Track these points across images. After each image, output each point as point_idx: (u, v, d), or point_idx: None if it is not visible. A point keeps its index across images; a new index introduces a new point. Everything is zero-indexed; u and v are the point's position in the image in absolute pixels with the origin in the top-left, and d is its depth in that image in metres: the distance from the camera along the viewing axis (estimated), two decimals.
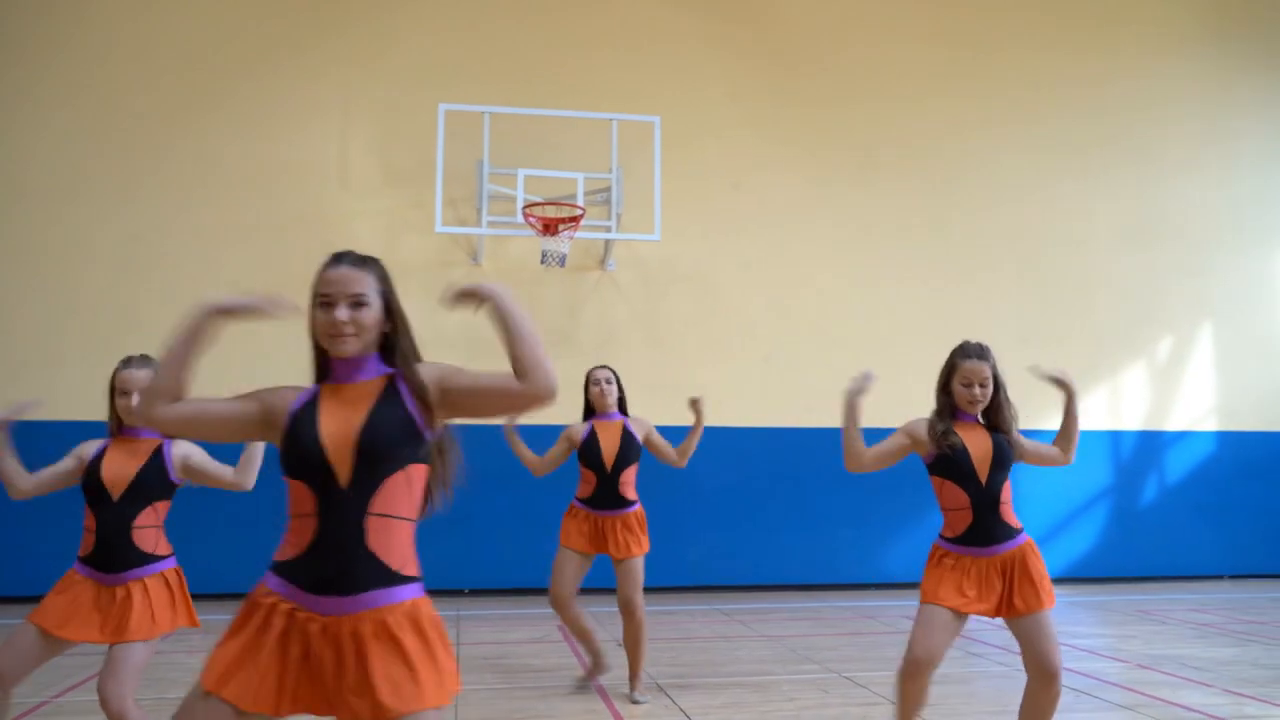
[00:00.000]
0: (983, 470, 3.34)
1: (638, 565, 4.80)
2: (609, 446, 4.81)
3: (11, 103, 8.78)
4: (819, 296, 9.67)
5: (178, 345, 2.10)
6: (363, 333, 2.07)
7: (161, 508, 3.32)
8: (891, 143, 9.95)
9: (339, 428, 2.00)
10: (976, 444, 3.37)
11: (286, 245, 8.91)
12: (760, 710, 4.64)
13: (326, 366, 2.14)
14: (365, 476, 1.98)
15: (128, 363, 3.33)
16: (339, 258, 2.11)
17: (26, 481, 3.35)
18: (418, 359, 2.16)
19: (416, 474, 2.06)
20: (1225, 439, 10.18)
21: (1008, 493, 3.41)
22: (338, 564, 1.95)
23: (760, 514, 9.23)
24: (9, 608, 7.93)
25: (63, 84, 8.87)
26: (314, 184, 9.11)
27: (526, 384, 2.03)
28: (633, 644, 4.77)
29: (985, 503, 3.34)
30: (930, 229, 9.90)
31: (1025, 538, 3.41)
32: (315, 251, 8.63)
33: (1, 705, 3.19)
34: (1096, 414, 10.06)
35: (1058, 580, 9.63)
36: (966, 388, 3.39)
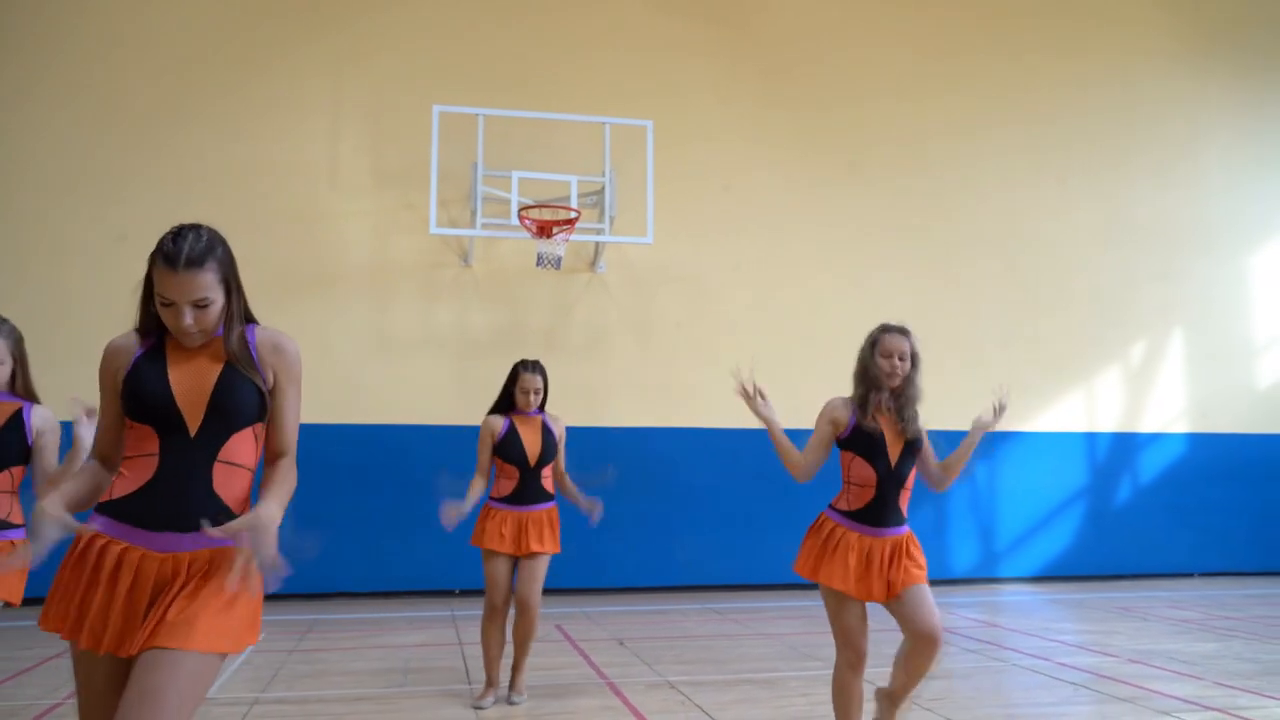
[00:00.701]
0: (894, 452, 3.43)
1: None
2: (531, 445, 4.72)
3: (3, 103, 8.65)
4: (806, 298, 9.81)
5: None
6: (208, 329, 2.12)
7: (17, 473, 3.31)
8: (876, 146, 10.13)
9: (190, 381, 2.10)
10: (890, 425, 3.46)
11: (277, 244, 8.88)
12: (776, 705, 4.73)
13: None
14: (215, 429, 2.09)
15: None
16: (173, 259, 2.04)
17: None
18: (250, 320, 2.25)
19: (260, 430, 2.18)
20: (1196, 440, 10.47)
21: (911, 480, 3.50)
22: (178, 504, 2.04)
23: (748, 514, 9.33)
24: None
25: (55, 85, 8.77)
26: (304, 184, 9.09)
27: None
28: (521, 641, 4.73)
29: (890, 483, 3.42)
30: (914, 231, 10.09)
31: (908, 529, 3.50)
32: (306, 251, 8.77)
33: None
34: (1072, 416, 10.30)
35: (1035, 579, 9.91)
36: (887, 359, 3.48)
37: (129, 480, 2.06)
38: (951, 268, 10.11)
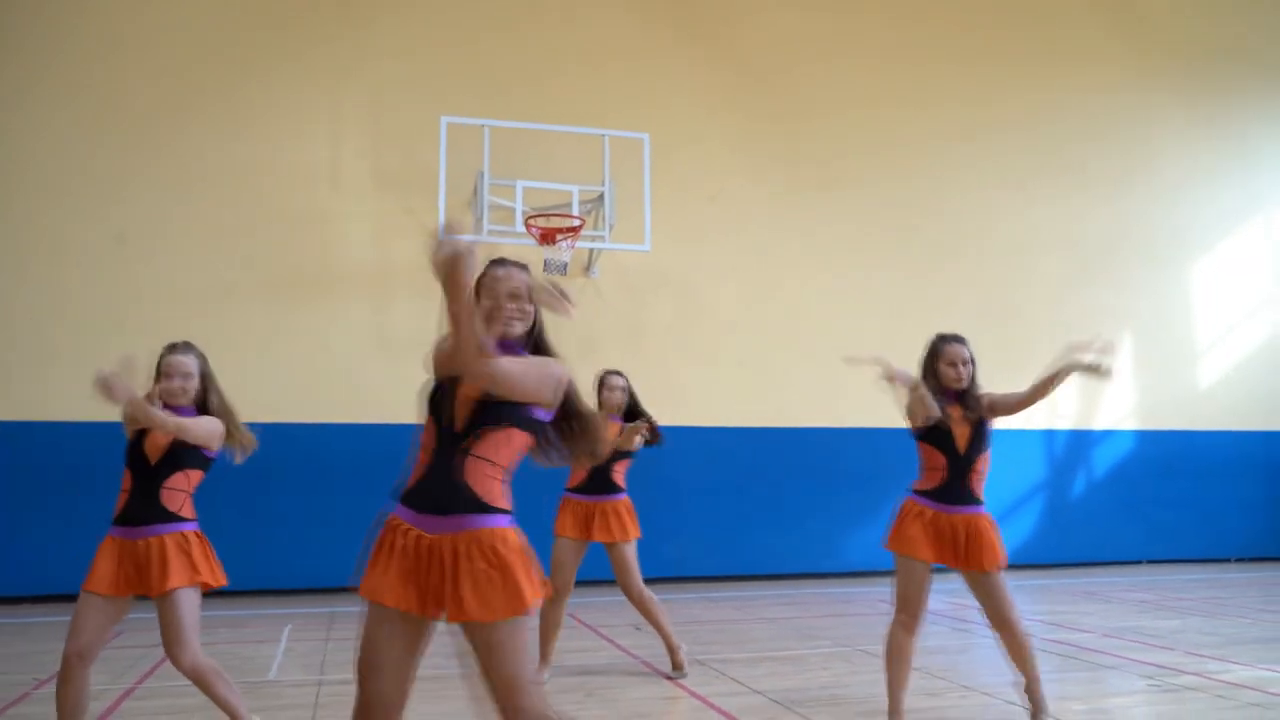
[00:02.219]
0: (961, 440, 3.94)
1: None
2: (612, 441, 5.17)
3: (4, 103, 8.73)
4: (789, 301, 10.30)
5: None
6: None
7: (194, 476, 3.65)
8: (852, 156, 10.67)
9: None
10: (956, 415, 3.95)
11: (278, 245, 9.11)
12: (804, 677, 5.18)
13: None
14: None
15: (172, 349, 3.66)
16: (504, 262, 2.59)
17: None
18: None
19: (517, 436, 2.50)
20: (1144, 437, 11.22)
21: (981, 465, 3.99)
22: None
23: (737, 509, 9.79)
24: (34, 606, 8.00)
25: (55, 85, 8.86)
26: (305, 186, 9.30)
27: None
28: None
29: (959, 467, 3.93)
30: (887, 237, 10.65)
31: (984, 510, 4.00)
32: (307, 252, 9.15)
33: (83, 685, 3.43)
34: (1032, 414, 10.87)
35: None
36: (951, 367, 3.98)
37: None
38: (921, 271, 10.70)
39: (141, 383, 3.51)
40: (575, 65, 10.00)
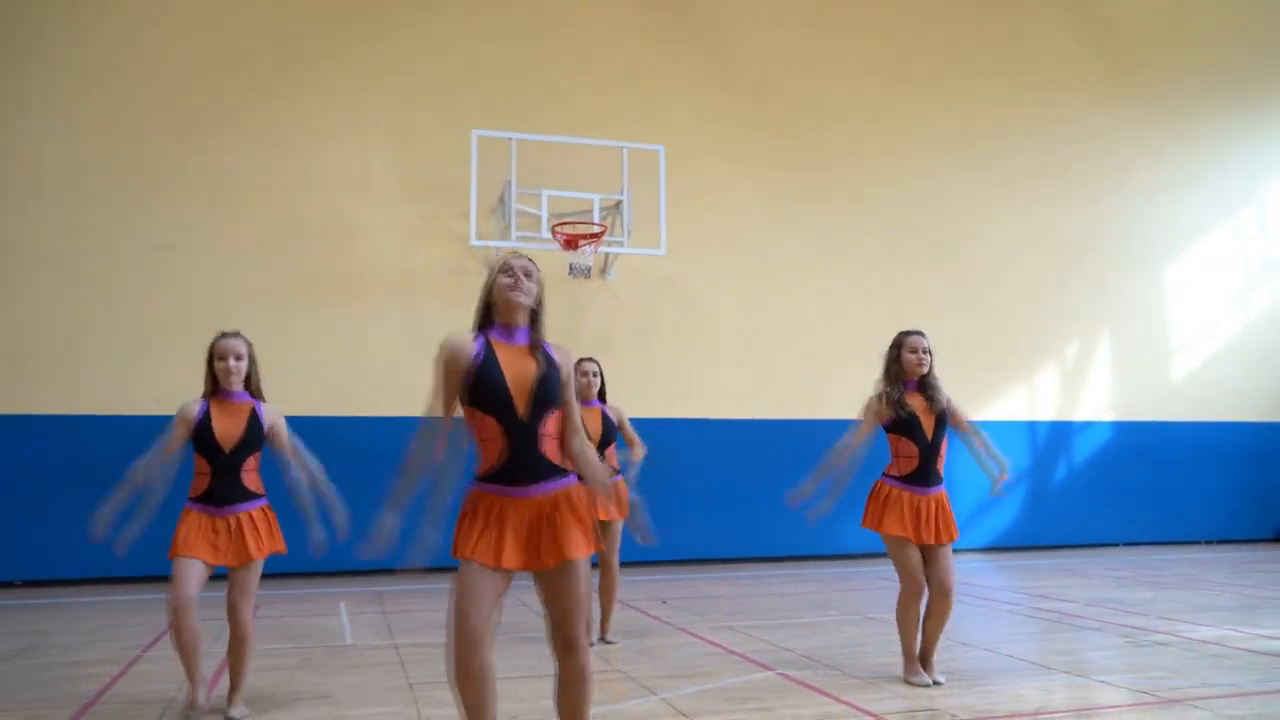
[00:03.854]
0: (929, 427, 4.61)
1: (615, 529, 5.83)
2: (593, 429, 5.67)
3: (46, 114, 9.26)
4: (787, 302, 10.98)
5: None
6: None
7: (258, 456, 4.17)
8: (845, 166, 11.38)
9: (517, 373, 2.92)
10: (921, 407, 4.62)
11: (313, 251, 9.69)
12: (827, 638, 5.85)
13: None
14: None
15: (223, 335, 4.14)
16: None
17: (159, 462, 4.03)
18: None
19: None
20: (1121, 428, 11.99)
21: (944, 448, 4.67)
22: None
23: (741, 495, 10.46)
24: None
25: (97, 97, 9.41)
26: (337, 196, 9.88)
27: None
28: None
29: (929, 452, 4.60)
30: (878, 241, 11.36)
31: (943, 488, 4.69)
32: (340, 257, 9.94)
33: (197, 632, 3.91)
34: (1015, 407, 11.71)
35: (987, 549, 11.24)
36: (913, 354, 4.63)
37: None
38: (910, 274, 11.40)
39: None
40: (595, 80, 10.63)
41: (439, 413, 2.92)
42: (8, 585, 8.63)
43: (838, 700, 4.28)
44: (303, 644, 5.86)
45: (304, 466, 4.21)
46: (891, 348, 4.75)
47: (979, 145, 11.91)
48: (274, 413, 4.23)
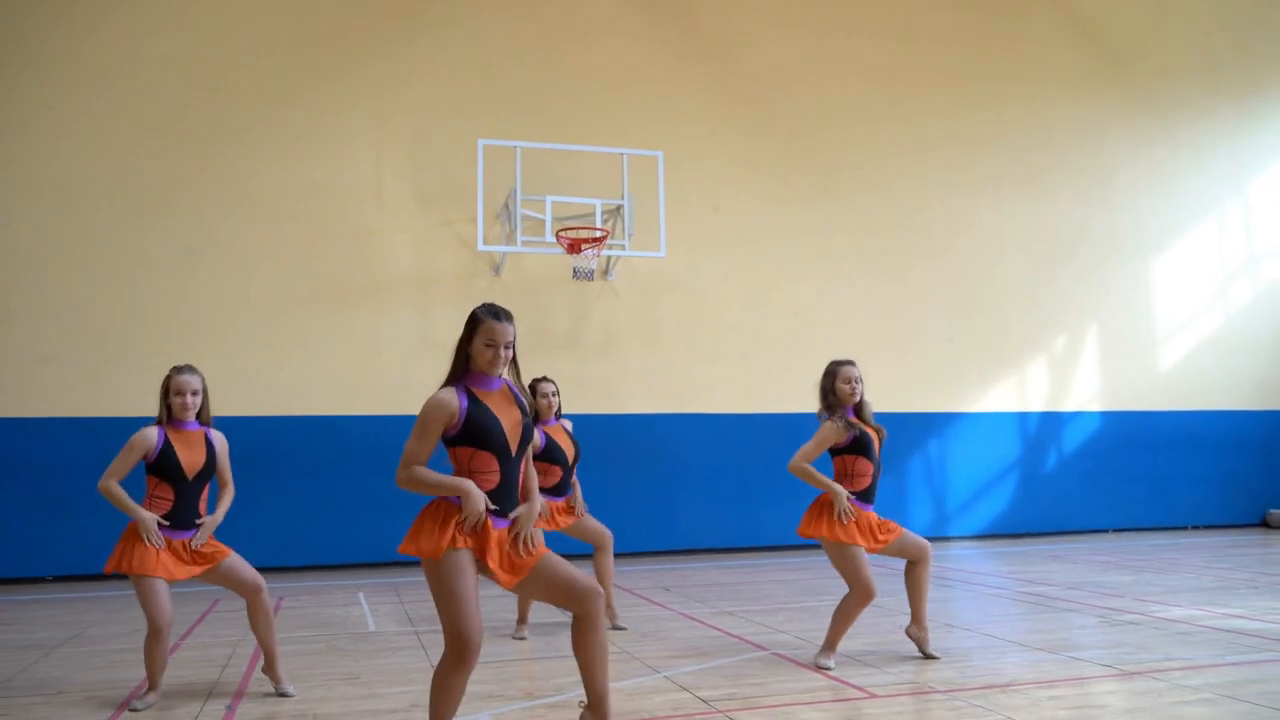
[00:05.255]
0: (878, 449, 5.04)
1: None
2: (565, 445, 5.94)
3: (75, 122, 9.66)
4: (786, 302, 11.37)
5: (437, 488, 3.25)
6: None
7: (209, 484, 4.54)
8: (841, 168, 11.75)
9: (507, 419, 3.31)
10: (872, 430, 5.02)
11: (330, 257, 10.08)
12: (822, 621, 6.19)
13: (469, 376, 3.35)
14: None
15: (179, 370, 4.46)
16: (499, 315, 3.34)
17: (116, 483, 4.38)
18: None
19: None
20: (1108, 417, 12.38)
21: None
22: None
23: (740, 487, 10.86)
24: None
25: (124, 106, 9.79)
26: (353, 203, 10.26)
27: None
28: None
29: (879, 471, 5.03)
30: (874, 241, 11.74)
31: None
32: (356, 263, 10.45)
33: (166, 648, 4.35)
34: (1007, 398, 12.09)
35: (979, 537, 11.63)
36: (847, 384, 5.01)
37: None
38: (905, 273, 11.79)
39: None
40: (596, 89, 11.00)
41: (420, 460, 3.25)
42: (48, 580, 9.06)
43: (825, 675, 4.68)
44: (328, 631, 6.26)
45: (227, 493, 4.60)
46: (825, 376, 5.07)
47: (971, 145, 12.28)
48: (221, 440, 4.59)
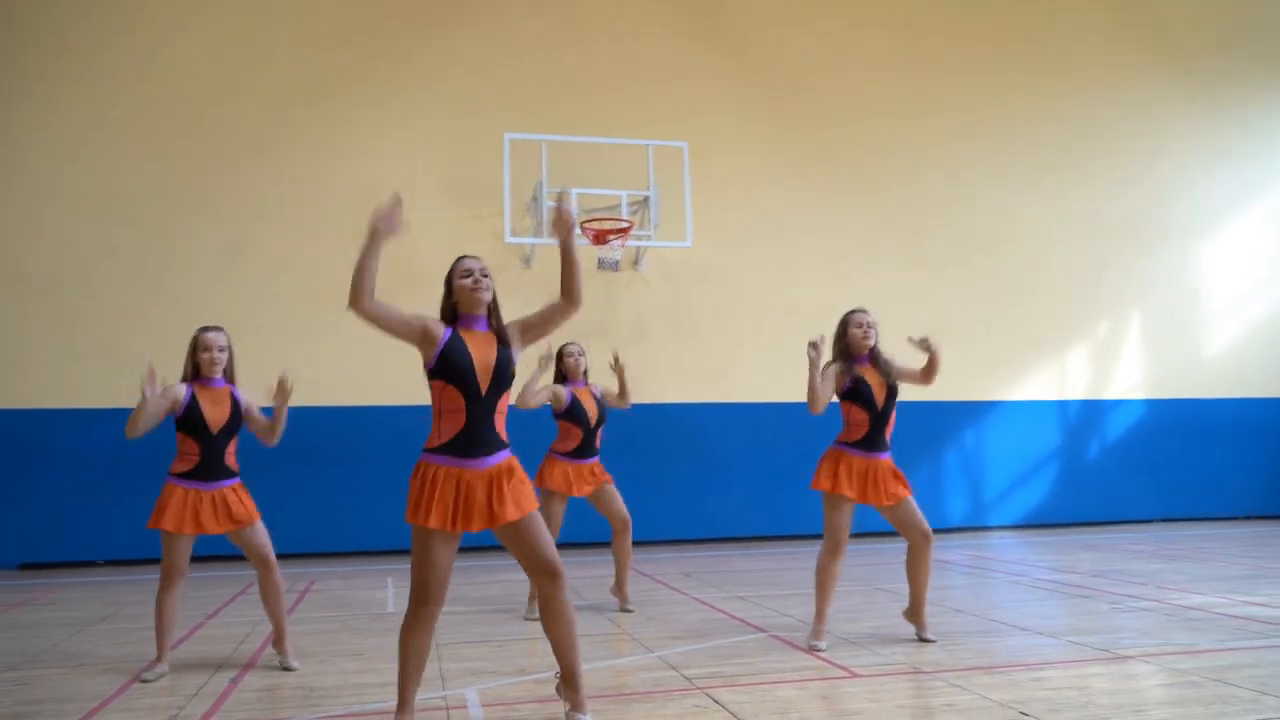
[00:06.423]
0: (880, 397, 4.95)
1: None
2: (590, 409, 6.11)
3: (134, 136, 10.04)
4: (817, 292, 11.30)
5: (368, 257, 3.41)
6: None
7: (236, 440, 4.68)
8: (875, 158, 11.67)
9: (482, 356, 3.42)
10: (875, 379, 4.97)
11: (358, 254, 10.30)
12: (846, 606, 6.26)
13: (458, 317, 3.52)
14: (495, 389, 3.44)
15: (206, 329, 4.64)
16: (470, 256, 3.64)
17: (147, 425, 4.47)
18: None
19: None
20: (1152, 406, 12.12)
21: (892, 419, 5.01)
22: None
23: (771, 475, 10.87)
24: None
25: (167, 109, 10.15)
26: (383, 199, 10.46)
27: (568, 301, 3.63)
28: None
29: (878, 421, 4.94)
30: (909, 231, 11.64)
31: (890, 455, 5.03)
32: (391, 257, 10.34)
33: (176, 605, 4.60)
34: (1046, 387, 11.92)
35: (1018, 526, 11.50)
36: (859, 329, 5.01)
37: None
38: (943, 261, 11.68)
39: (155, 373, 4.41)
40: (621, 82, 11.09)
41: (370, 271, 3.44)
42: (100, 564, 9.48)
43: (816, 656, 4.73)
44: (347, 611, 6.48)
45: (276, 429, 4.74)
46: (839, 325, 5.13)
47: (1008, 131, 12.10)
48: (248, 396, 4.76)
